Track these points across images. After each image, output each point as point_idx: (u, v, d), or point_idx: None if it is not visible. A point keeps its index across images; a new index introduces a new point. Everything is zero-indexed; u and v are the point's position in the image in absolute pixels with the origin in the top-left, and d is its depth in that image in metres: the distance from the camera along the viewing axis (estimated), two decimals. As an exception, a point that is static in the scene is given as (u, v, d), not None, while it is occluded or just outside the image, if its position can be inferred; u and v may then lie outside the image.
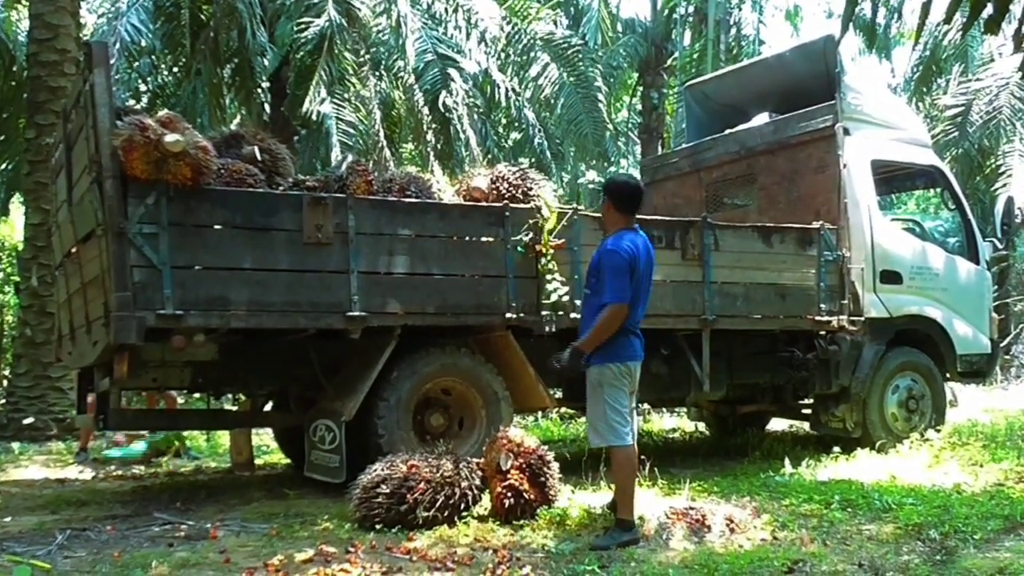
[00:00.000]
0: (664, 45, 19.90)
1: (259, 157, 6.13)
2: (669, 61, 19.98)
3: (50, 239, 7.94)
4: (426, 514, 5.00)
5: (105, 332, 5.34)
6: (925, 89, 19.72)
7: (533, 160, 17.13)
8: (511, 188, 6.55)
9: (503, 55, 15.68)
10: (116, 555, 4.58)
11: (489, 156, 15.61)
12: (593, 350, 4.96)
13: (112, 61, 10.38)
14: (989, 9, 3.54)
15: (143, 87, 15.04)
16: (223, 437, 9.34)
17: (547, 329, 6.43)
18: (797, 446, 8.33)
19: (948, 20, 3.91)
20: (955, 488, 6.11)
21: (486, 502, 5.41)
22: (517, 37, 15.23)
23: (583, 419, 11.06)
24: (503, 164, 7.47)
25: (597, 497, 5.76)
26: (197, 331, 5.53)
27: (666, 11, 19.79)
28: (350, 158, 7.09)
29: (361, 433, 6.05)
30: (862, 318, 7.82)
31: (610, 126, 18.82)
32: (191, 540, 4.96)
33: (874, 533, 4.99)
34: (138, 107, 10.47)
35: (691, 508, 5.34)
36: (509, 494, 5.15)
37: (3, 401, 11.34)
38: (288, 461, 7.94)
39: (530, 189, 6.59)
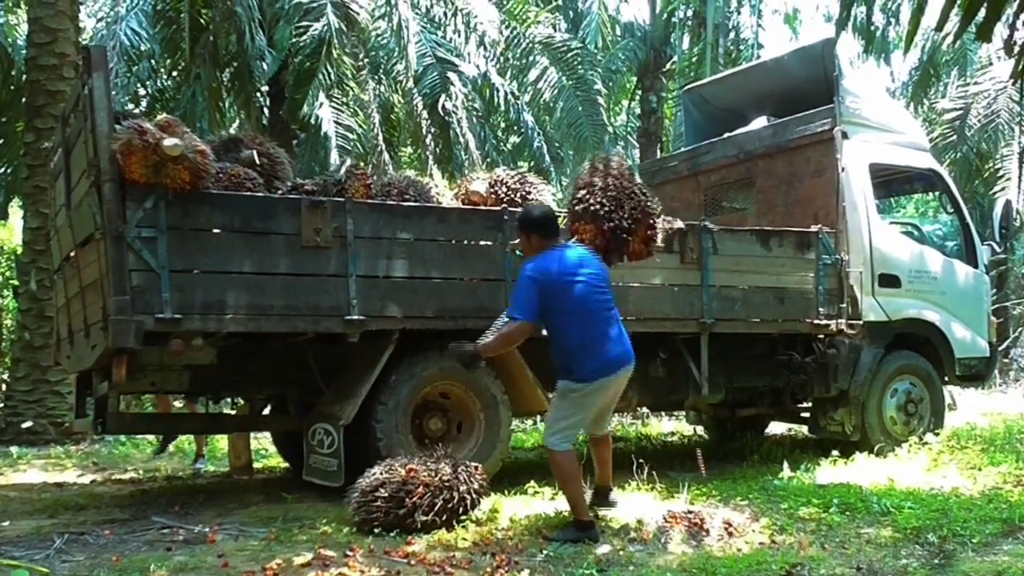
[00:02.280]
0: (663, 49, 19.94)
1: (257, 161, 6.14)
2: (668, 65, 20.03)
3: (48, 243, 7.93)
4: (425, 518, 5.00)
5: (103, 336, 5.34)
6: (923, 93, 19.76)
7: (532, 164, 17.16)
8: (510, 192, 6.57)
9: (502, 59, 15.71)
10: (114, 559, 4.57)
11: (488, 160, 15.62)
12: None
13: (111, 65, 10.41)
14: (982, 14, 3.54)
15: (142, 91, 15.05)
16: (221, 441, 9.34)
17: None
18: (796, 449, 8.33)
19: (940, 27, 3.91)
20: (953, 492, 6.12)
21: (485, 506, 5.41)
22: (516, 41, 15.26)
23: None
24: (502, 168, 7.49)
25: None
26: (195, 335, 5.53)
27: (665, 15, 19.83)
28: (349, 162, 7.11)
29: (360, 437, 6.05)
30: (860, 322, 7.82)
31: (609, 130, 18.82)
32: (189, 544, 4.96)
33: (872, 537, 5.00)
34: (137, 111, 10.51)
35: (689, 511, 5.34)
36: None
37: (1, 405, 11.32)
38: (287, 465, 7.94)
39: (529, 193, 6.61)
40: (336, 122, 12.84)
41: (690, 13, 19.43)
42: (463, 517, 5.19)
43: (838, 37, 5.00)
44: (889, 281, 8.11)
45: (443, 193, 6.90)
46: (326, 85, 12.20)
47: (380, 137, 13.78)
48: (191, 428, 8.39)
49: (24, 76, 12.22)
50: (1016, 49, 3.64)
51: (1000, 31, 4.24)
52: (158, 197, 5.28)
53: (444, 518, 5.07)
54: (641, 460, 6.41)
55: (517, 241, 6.30)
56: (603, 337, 5.06)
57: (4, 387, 11.87)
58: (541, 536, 4.94)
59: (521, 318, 4.96)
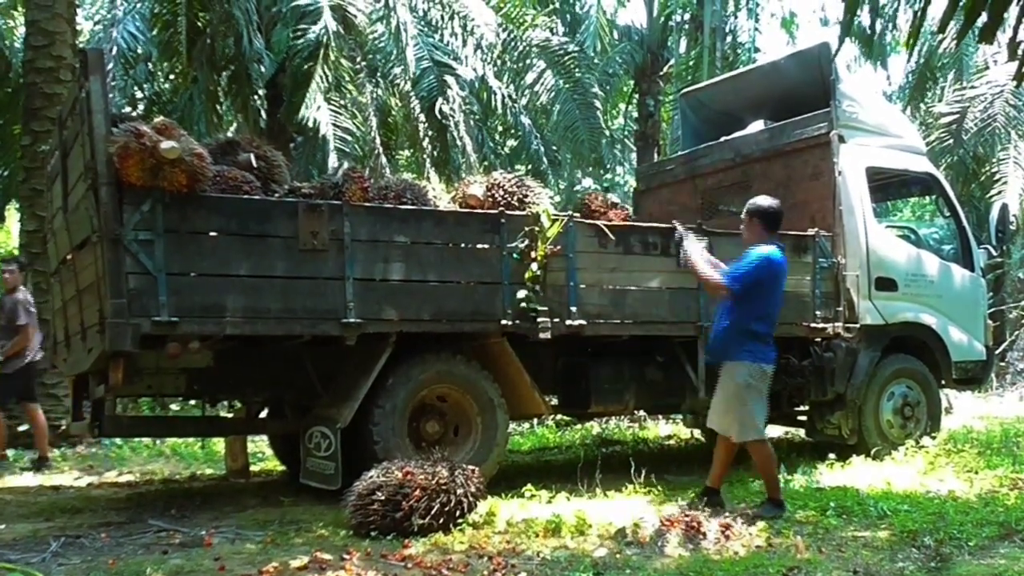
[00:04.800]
0: (660, 52, 19.93)
1: (255, 164, 6.13)
2: (665, 68, 20.01)
3: (46, 246, 7.93)
4: (421, 521, 5.00)
5: (100, 339, 5.33)
6: (920, 97, 19.78)
7: (529, 167, 17.14)
8: (507, 195, 6.57)
9: (499, 62, 15.70)
10: (111, 562, 4.57)
11: (485, 163, 15.62)
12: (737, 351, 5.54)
13: (108, 68, 10.39)
14: (984, 17, 3.55)
15: (139, 94, 15.04)
16: (218, 444, 9.34)
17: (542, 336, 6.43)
18: (792, 453, 8.33)
19: (942, 29, 3.92)
20: (950, 495, 6.12)
21: (482, 509, 5.41)
22: (513, 44, 15.24)
23: (579, 426, 11.10)
24: (499, 171, 7.48)
25: (592, 504, 5.76)
26: (192, 338, 5.53)
27: (662, 18, 19.83)
28: (346, 165, 7.10)
29: (357, 440, 6.05)
30: (857, 325, 7.83)
31: (606, 133, 18.83)
32: (186, 547, 4.96)
33: (869, 540, 5.00)
34: (134, 114, 10.50)
35: (686, 515, 5.34)
36: None
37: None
38: (283, 468, 7.93)
39: (526, 196, 6.61)
40: (334, 125, 12.81)
41: (687, 17, 19.42)
42: (460, 520, 5.20)
43: (843, 42, 4.98)
44: (886, 285, 8.11)
45: (440, 196, 6.89)
46: (324, 88, 12.18)
47: (377, 140, 13.77)
48: (188, 431, 8.38)
49: (21, 79, 12.20)
50: (1020, 51, 3.64)
51: (1000, 34, 4.24)
52: (155, 200, 5.28)
53: (441, 521, 5.07)
54: (638, 463, 6.42)
55: (515, 244, 6.31)
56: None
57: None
58: (753, 514, 5.41)
59: (729, 285, 5.54)
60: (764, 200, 5.83)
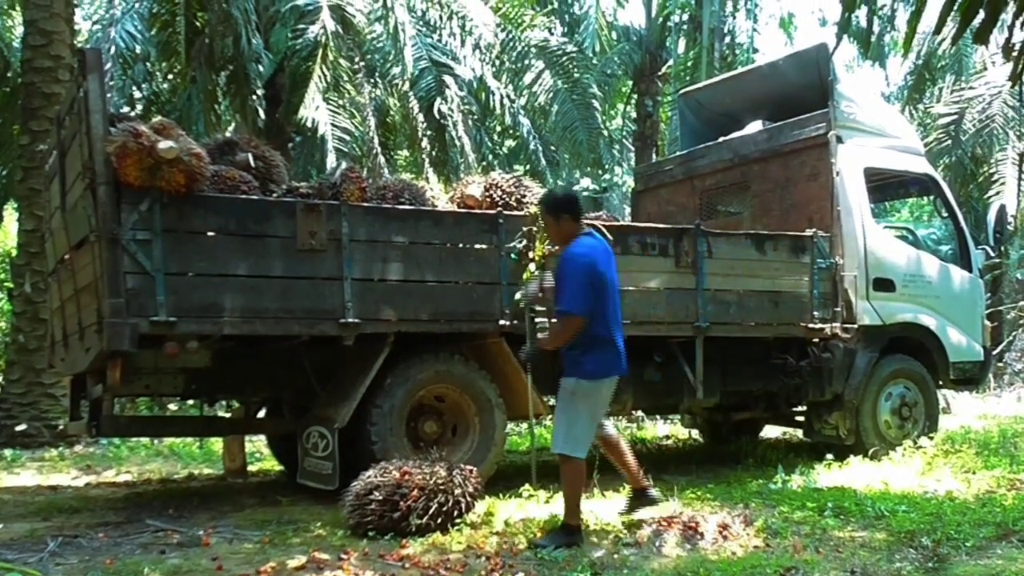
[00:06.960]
0: (659, 53, 19.94)
1: (253, 164, 6.13)
2: (664, 69, 20.02)
3: (44, 245, 7.92)
4: (419, 521, 5.00)
5: (98, 339, 5.33)
6: (919, 97, 19.80)
7: (528, 167, 17.14)
8: (505, 195, 6.58)
9: (498, 62, 15.70)
10: (108, 562, 4.57)
11: (484, 163, 15.62)
12: (565, 359, 5.02)
13: (107, 67, 10.38)
14: (980, 18, 3.55)
15: (137, 94, 15.04)
16: (216, 444, 9.33)
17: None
18: (790, 453, 8.35)
19: (938, 31, 3.92)
20: (947, 495, 6.13)
21: (479, 509, 5.41)
22: (511, 44, 15.25)
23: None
24: (497, 171, 7.49)
25: (592, 504, 5.76)
26: (190, 338, 5.53)
27: (661, 19, 19.84)
28: (344, 165, 7.10)
29: (354, 440, 6.05)
30: (855, 325, 7.84)
31: (604, 133, 18.81)
32: (183, 547, 4.96)
33: (867, 540, 5.00)
34: (132, 114, 10.49)
35: (684, 515, 5.34)
36: None
37: (-4, 408, 11.28)
38: (281, 468, 7.93)
39: (524, 196, 6.62)
40: (332, 125, 12.82)
41: (686, 17, 19.41)
42: (458, 520, 5.20)
43: (839, 42, 4.96)
44: (884, 285, 8.12)
45: (438, 197, 6.90)
46: (322, 88, 12.19)
47: (376, 140, 13.78)
48: (185, 431, 8.38)
49: (19, 78, 12.19)
50: (1014, 52, 3.65)
51: (997, 36, 4.25)
52: (153, 200, 5.28)
53: (439, 521, 5.07)
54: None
55: (513, 244, 6.33)
56: (619, 335, 5.04)
57: (-2, 390, 11.83)
58: (531, 544, 4.87)
59: (577, 313, 4.80)
60: (557, 190, 5.45)
